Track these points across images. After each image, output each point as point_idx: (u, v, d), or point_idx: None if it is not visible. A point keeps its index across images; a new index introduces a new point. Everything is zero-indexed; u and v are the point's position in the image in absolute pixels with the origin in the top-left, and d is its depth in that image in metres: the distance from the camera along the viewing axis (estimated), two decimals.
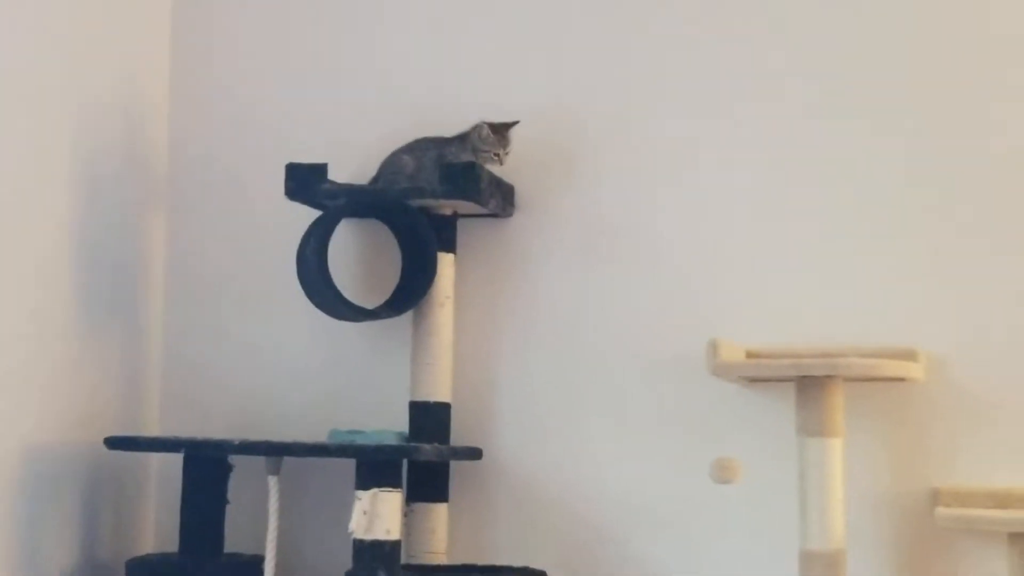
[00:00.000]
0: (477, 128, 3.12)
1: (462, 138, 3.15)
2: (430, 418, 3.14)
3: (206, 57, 3.50)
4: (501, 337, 3.25)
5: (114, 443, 3.05)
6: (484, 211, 3.17)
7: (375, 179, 3.19)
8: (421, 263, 3.15)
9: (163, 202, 3.47)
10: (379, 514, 2.86)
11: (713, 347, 2.89)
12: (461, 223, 3.23)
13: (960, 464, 2.96)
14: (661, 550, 3.11)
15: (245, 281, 3.40)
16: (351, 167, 3.28)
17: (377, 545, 2.86)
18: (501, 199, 3.18)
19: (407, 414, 3.16)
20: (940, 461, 2.97)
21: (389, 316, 3.15)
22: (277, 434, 3.23)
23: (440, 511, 3.15)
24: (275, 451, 3.00)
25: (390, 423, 3.19)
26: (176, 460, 3.13)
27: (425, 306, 3.15)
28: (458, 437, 3.21)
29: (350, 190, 3.15)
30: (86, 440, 3.15)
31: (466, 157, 3.11)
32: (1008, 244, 2.99)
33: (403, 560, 3.03)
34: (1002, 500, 2.88)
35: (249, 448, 2.99)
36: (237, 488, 3.15)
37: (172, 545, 3.16)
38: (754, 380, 3.03)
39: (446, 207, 3.17)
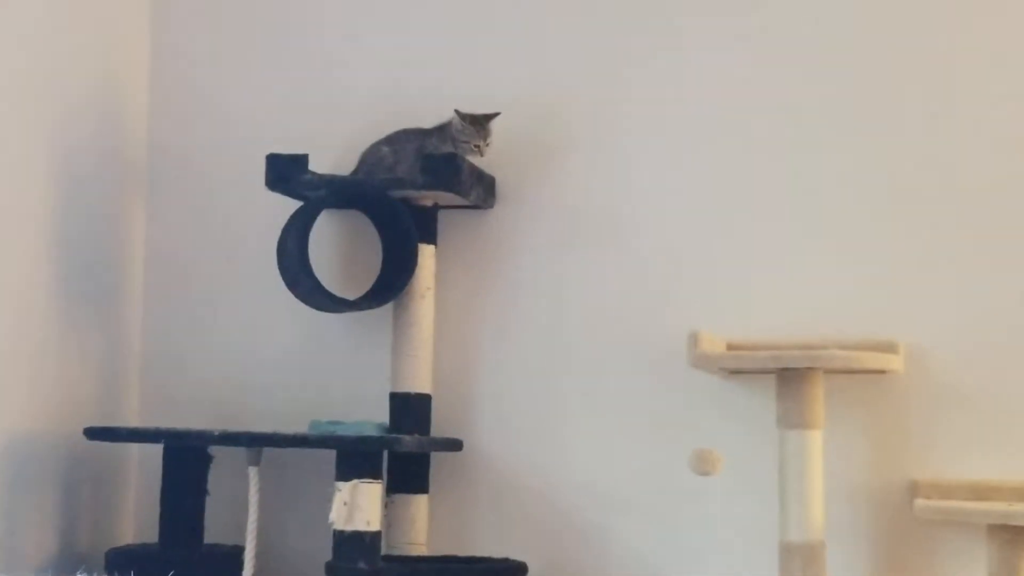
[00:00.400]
0: (456, 119, 3.12)
1: (442, 129, 3.14)
2: (410, 409, 3.14)
3: (186, 48, 3.48)
4: (482, 328, 3.25)
5: (94, 434, 3.05)
6: (465, 202, 3.17)
7: (355, 171, 3.19)
8: (402, 254, 3.14)
9: (143, 192, 3.46)
10: (359, 505, 2.86)
11: (693, 339, 2.89)
12: (442, 214, 3.23)
13: (939, 456, 2.97)
14: (641, 541, 3.11)
15: (225, 272, 3.40)
16: (332, 158, 3.27)
17: (357, 536, 2.86)
18: (482, 190, 3.18)
19: (387, 405, 3.16)
20: (919, 453, 2.98)
21: (370, 307, 3.15)
22: (257, 425, 3.23)
23: (420, 502, 3.15)
24: (255, 442, 3.00)
25: (370, 414, 3.18)
26: (156, 451, 3.12)
27: (406, 297, 3.15)
28: (438, 428, 3.21)
29: (331, 181, 3.14)
30: (65, 431, 3.15)
31: (446, 148, 3.11)
32: (987, 237, 2.99)
33: (383, 551, 3.02)
34: (981, 492, 2.89)
35: (229, 439, 2.99)
36: (217, 479, 3.15)
37: (152, 536, 3.16)
38: (734, 372, 3.03)
39: (427, 198, 3.16)
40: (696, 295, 3.12)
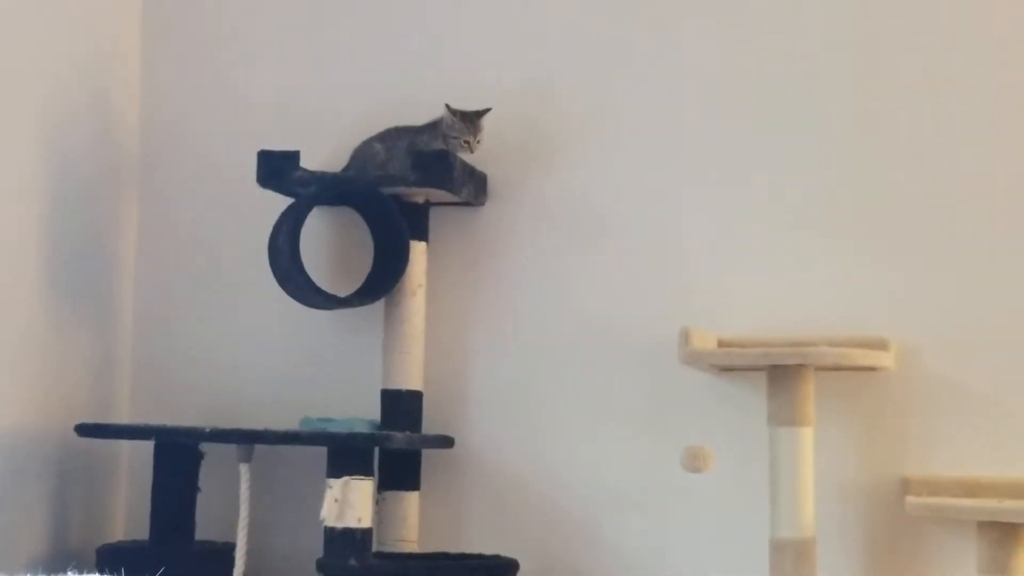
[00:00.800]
0: (447, 114, 3.12)
1: (433, 126, 3.14)
2: (402, 406, 3.14)
3: (178, 45, 3.48)
4: (473, 325, 3.25)
5: (84, 430, 3.05)
6: (456, 199, 3.17)
7: (347, 168, 3.18)
8: (393, 251, 3.14)
9: (134, 190, 3.46)
10: (350, 502, 2.86)
11: (685, 336, 2.89)
12: (433, 211, 3.23)
13: (930, 453, 2.97)
14: (633, 538, 3.12)
15: (217, 268, 3.39)
16: (323, 155, 3.27)
17: (348, 533, 2.86)
18: (473, 187, 3.18)
19: (379, 402, 3.16)
20: (910, 450, 2.98)
21: (361, 304, 3.15)
22: (248, 422, 3.22)
23: (412, 499, 3.15)
24: (246, 439, 3.00)
25: (362, 411, 3.18)
26: (147, 447, 3.12)
27: (397, 294, 3.14)
28: (430, 425, 3.20)
29: (322, 178, 3.14)
30: (56, 427, 3.14)
31: (437, 145, 3.11)
32: (979, 234, 3.00)
33: (374, 548, 3.02)
34: (971, 489, 2.89)
35: (220, 436, 2.99)
36: (208, 476, 3.14)
37: (143, 532, 3.15)
38: (726, 369, 3.03)
39: (418, 195, 3.16)
40: (687, 292, 3.12)
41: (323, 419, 3.08)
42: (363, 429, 3.04)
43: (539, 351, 3.20)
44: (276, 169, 3.12)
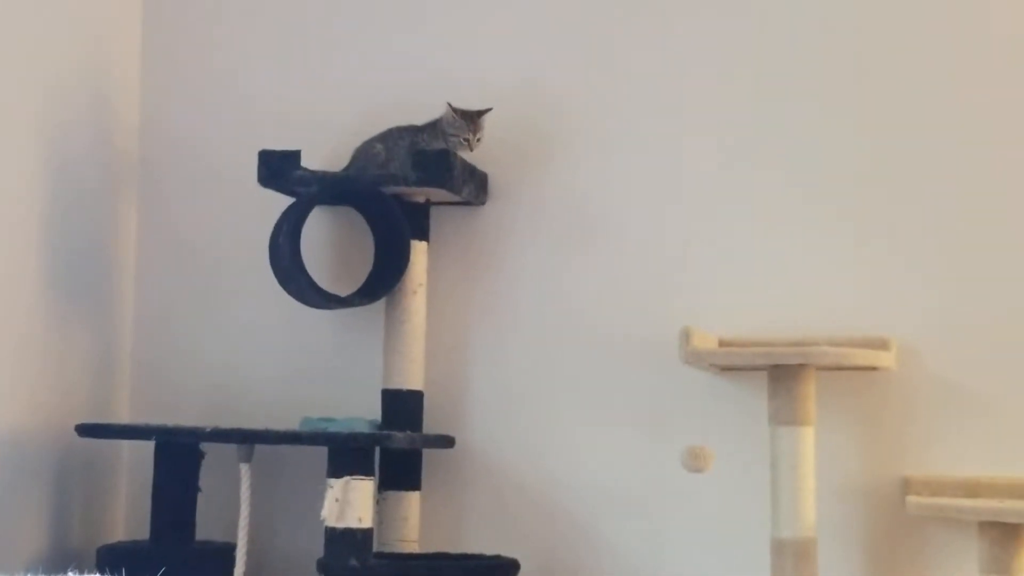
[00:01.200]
0: (448, 112, 3.12)
1: (433, 125, 3.14)
2: (402, 406, 3.14)
3: (178, 44, 3.48)
4: (474, 325, 3.25)
5: (85, 430, 3.04)
6: (457, 199, 3.17)
7: (347, 167, 3.18)
8: (394, 251, 3.14)
9: (134, 190, 3.46)
10: (351, 502, 2.86)
11: (685, 335, 2.89)
12: (434, 211, 3.23)
13: (931, 453, 2.97)
14: (633, 538, 3.11)
15: (217, 268, 3.39)
16: (324, 154, 3.27)
17: (349, 533, 2.86)
18: (474, 187, 3.18)
19: (379, 402, 3.16)
20: (911, 450, 2.98)
21: (362, 304, 3.15)
22: (249, 421, 3.22)
23: (412, 499, 3.14)
24: (247, 438, 3.00)
25: (362, 411, 3.18)
26: (147, 447, 3.12)
27: (398, 294, 3.14)
28: (430, 425, 3.20)
29: (323, 177, 3.14)
30: (57, 427, 3.14)
31: (438, 145, 3.11)
32: (980, 234, 3.00)
33: (375, 548, 3.02)
34: (972, 489, 2.89)
35: (221, 435, 2.99)
36: (209, 475, 3.14)
37: (143, 532, 3.15)
38: (726, 368, 3.03)
39: (419, 194, 3.16)
40: (689, 292, 3.12)
41: (323, 419, 3.08)
42: (364, 429, 3.04)
43: (540, 351, 3.20)
44: (277, 169, 3.12)
